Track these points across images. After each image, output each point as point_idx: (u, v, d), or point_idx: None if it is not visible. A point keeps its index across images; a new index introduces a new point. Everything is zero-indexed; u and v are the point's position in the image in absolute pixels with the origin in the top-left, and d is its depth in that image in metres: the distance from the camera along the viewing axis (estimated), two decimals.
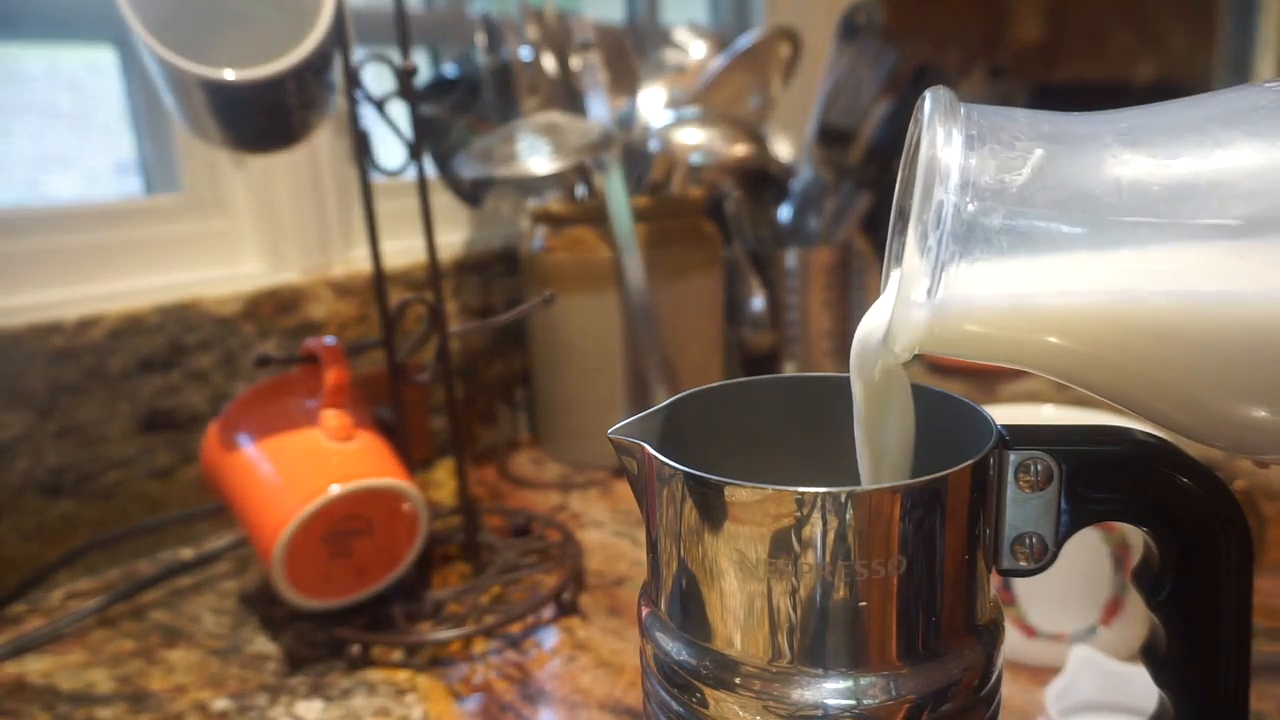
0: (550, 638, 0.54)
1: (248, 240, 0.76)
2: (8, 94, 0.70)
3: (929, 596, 0.24)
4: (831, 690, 0.24)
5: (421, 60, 0.94)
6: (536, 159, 0.70)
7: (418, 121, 0.55)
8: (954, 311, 0.22)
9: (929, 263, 0.22)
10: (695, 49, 0.96)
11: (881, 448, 0.28)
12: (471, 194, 0.84)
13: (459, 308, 0.84)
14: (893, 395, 0.27)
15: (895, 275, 0.26)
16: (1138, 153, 0.21)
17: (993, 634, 0.27)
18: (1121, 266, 0.21)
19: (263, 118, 0.52)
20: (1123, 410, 0.24)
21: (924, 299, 0.22)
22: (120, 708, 0.49)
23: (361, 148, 0.55)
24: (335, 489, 0.50)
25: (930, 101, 0.23)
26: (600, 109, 0.79)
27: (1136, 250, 0.21)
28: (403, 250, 0.77)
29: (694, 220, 0.81)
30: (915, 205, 0.22)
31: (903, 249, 0.22)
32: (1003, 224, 0.21)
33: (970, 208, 0.21)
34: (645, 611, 0.28)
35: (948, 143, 0.22)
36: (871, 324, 0.26)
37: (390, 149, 0.57)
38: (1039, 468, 0.26)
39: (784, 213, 0.94)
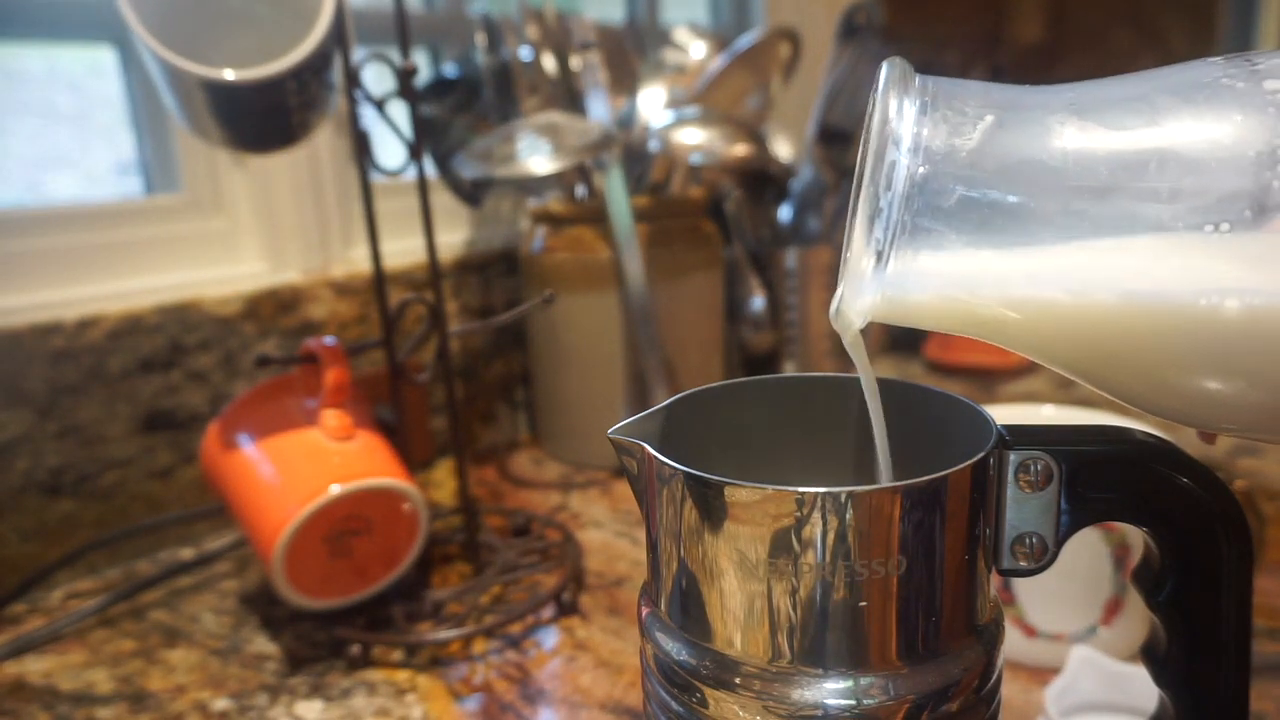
0: (550, 638, 0.54)
1: (248, 240, 0.76)
2: (8, 94, 0.70)
3: (929, 596, 0.24)
4: (831, 690, 0.24)
5: (421, 60, 0.94)
6: (536, 159, 0.70)
7: (418, 121, 0.55)
8: (904, 284, 0.23)
9: (880, 228, 0.22)
10: (695, 49, 0.96)
11: (875, 409, 0.28)
12: (471, 194, 0.84)
13: (459, 308, 0.84)
14: (858, 360, 0.27)
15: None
16: (1085, 121, 0.22)
17: (993, 634, 0.27)
18: (1070, 259, 0.22)
19: (263, 118, 0.52)
20: (1116, 403, 0.25)
21: (873, 270, 0.22)
22: (120, 708, 0.49)
23: (361, 148, 0.55)
24: (335, 489, 0.50)
25: (886, 70, 0.23)
26: (600, 109, 0.79)
27: (1085, 231, 0.21)
28: (403, 250, 0.77)
29: (694, 220, 0.81)
30: (867, 171, 0.22)
31: (866, 228, 0.22)
32: (953, 190, 0.22)
33: (921, 170, 0.22)
34: (645, 611, 0.28)
35: (900, 109, 0.22)
36: (836, 295, 0.26)
37: (390, 149, 0.57)
38: (1039, 468, 0.26)
39: (784, 213, 0.94)
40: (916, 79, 0.23)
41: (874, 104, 0.24)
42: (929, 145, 0.22)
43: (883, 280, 0.22)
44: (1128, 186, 0.21)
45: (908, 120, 0.22)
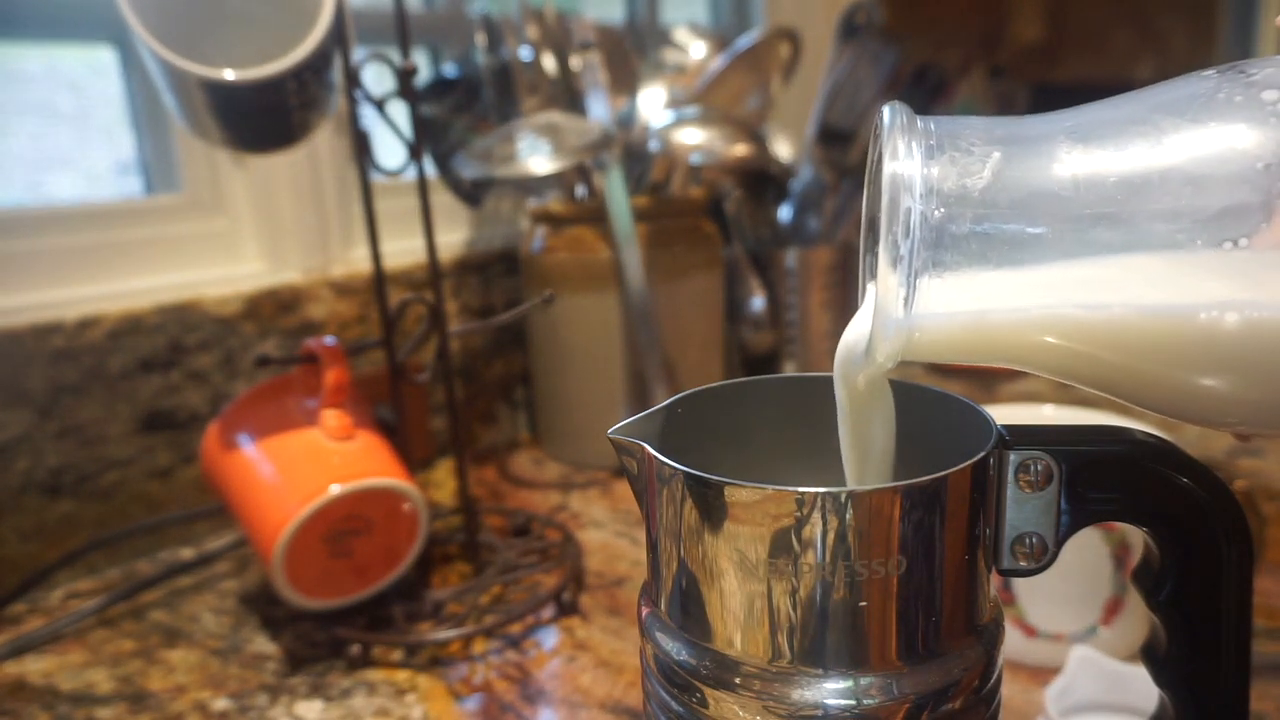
0: (550, 638, 0.54)
1: (248, 240, 0.76)
2: (8, 94, 0.70)
3: (929, 596, 0.24)
4: (831, 690, 0.24)
5: (421, 60, 0.94)
6: (536, 159, 0.70)
7: (418, 121, 0.55)
8: (931, 321, 0.23)
9: (903, 273, 0.22)
10: (695, 49, 0.97)
11: (866, 450, 0.29)
12: (471, 194, 0.84)
13: (459, 308, 0.84)
14: (876, 401, 0.28)
15: (872, 288, 0.26)
16: (1089, 147, 0.22)
17: (993, 634, 0.27)
18: (1083, 273, 0.22)
19: (263, 118, 0.52)
20: (1117, 404, 0.25)
21: (901, 311, 0.22)
22: (120, 708, 0.49)
23: (361, 148, 0.55)
24: (335, 489, 0.50)
25: (888, 116, 0.23)
26: (600, 109, 0.79)
27: (1099, 252, 0.22)
28: (403, 250, 0.77)
29: (694, 220, 0.81)
30: (884, 219, 0.22)
31: (876, 262, 0.23)
32: (970, 229, 0.22)
33: (937, 214, 0.22)
34: (645, 611, 0.28)
35: (909, 154, 0.22)
36: (854, 335, 0.26)
37: (390, 149, 0.57)
38: (1039, 468, 0.26)
39: (784, 213, 0.94)
40: (919, 122, 0.23)
41: (877, 150, 0.24)
42: (941, 188, 0.22)
43: (908, 327, 0.23)
44: (1139, 209, 0.21)
45: (916, 165, 0.22)
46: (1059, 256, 0.22)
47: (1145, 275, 0.21)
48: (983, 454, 0.25)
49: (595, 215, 0.77)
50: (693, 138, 0.80)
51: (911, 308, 0.22)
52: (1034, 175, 0.22)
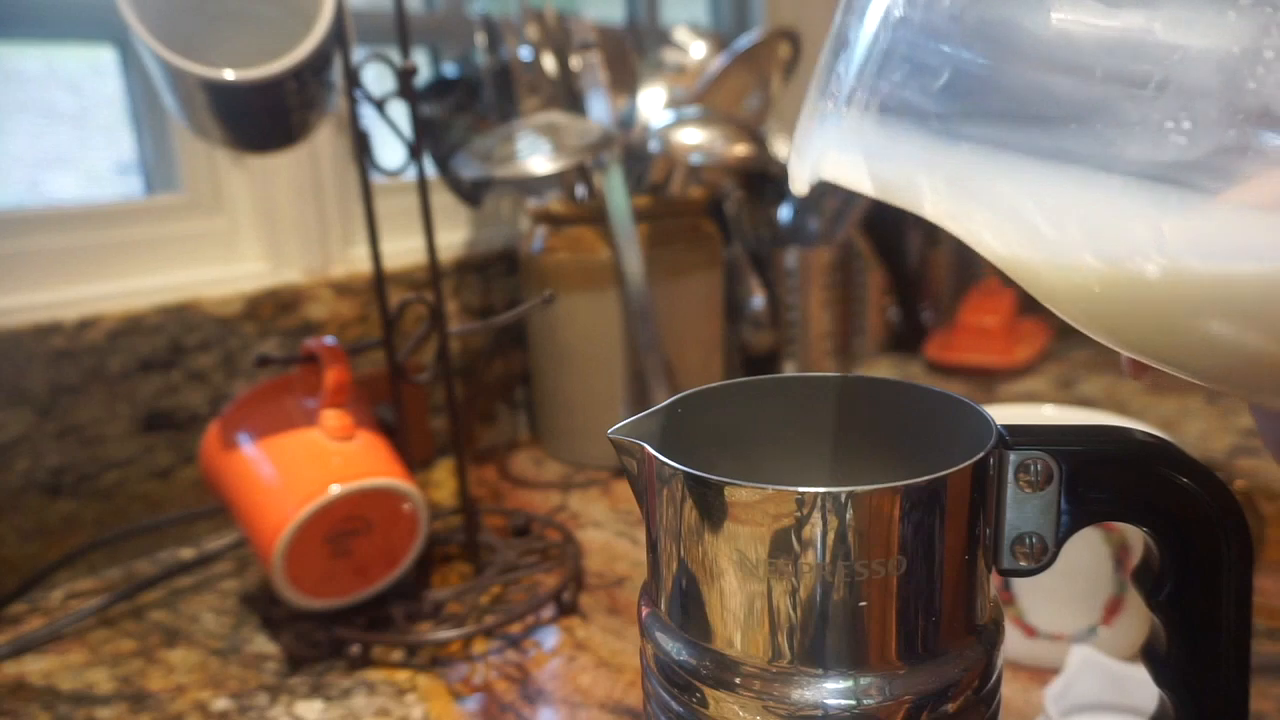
0: (550, 638, 0.54)
1: (248, 240, 0.76)
2: (8, 94, 0.70)
3: (929, 596, 0.24)
4: (831, 690, 0.24)
5: (421, 60, 0.94)
6: (536, 159, 0.70)
7: (418, 121, 0.55)
8: (855, 143, 0.21)
9: (843, 67, 0.20)
10: (695, 49, 0.96)
11: None
12: (471, 194, 0.84)
13: (459, 308, 0.84)
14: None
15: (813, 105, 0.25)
16: None
17: (993, 634, 0.27)
18: (1022, 181, 0.20)
19: (263, 118, 0.52)
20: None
21: (830, 112, 0.21)
22: (120, 708, 0.49)
23: (361, 148, 0.55)
24: (335, 489, 0.50)
25: None
26: (600, 109, 0.79)
27: (1047, 109, 0.20)
28: (403, 250, 0.77)
29: (694, 220, 0.82)
30: (841, 4, 0.21)
31: (827, 70, 0.21)
32: (925, 42, 0.20)
33: (898, 13, 0.20)
34: (645, 611, 0.28)
35: None
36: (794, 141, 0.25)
37: (390, 149, 0.57)
38: (1039, 468, 0.26)
39: (784, 213, 0.94)
40: None
41: None
42: None
43: (835, 131, 0.21)
44: (1103, 68, 0.20)
45: None
46: (1007, 107, 0.20)
47: (1080, 196, 0.20)
48: (983, 454, 0.25)
49: (595, 215, 0.77)
50: (693, 138, 0.80)
51: (841, 115, 0.21)
52: (1016, 6, 0.20)
